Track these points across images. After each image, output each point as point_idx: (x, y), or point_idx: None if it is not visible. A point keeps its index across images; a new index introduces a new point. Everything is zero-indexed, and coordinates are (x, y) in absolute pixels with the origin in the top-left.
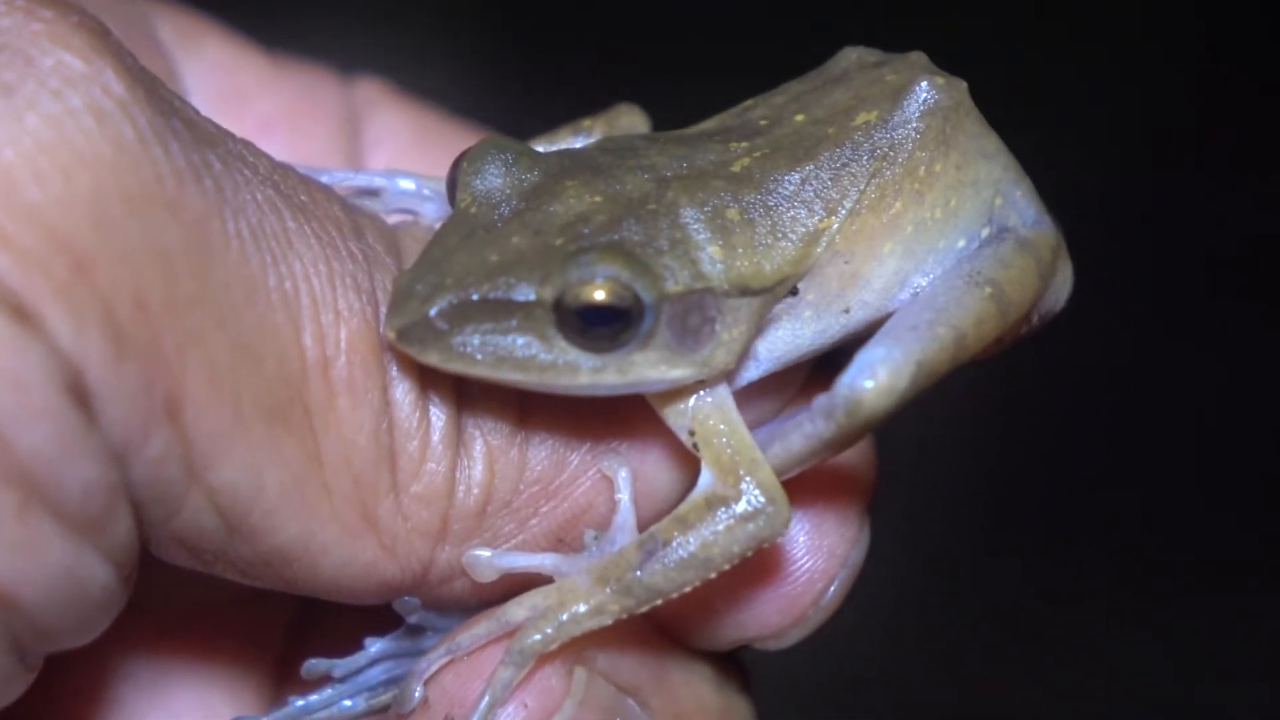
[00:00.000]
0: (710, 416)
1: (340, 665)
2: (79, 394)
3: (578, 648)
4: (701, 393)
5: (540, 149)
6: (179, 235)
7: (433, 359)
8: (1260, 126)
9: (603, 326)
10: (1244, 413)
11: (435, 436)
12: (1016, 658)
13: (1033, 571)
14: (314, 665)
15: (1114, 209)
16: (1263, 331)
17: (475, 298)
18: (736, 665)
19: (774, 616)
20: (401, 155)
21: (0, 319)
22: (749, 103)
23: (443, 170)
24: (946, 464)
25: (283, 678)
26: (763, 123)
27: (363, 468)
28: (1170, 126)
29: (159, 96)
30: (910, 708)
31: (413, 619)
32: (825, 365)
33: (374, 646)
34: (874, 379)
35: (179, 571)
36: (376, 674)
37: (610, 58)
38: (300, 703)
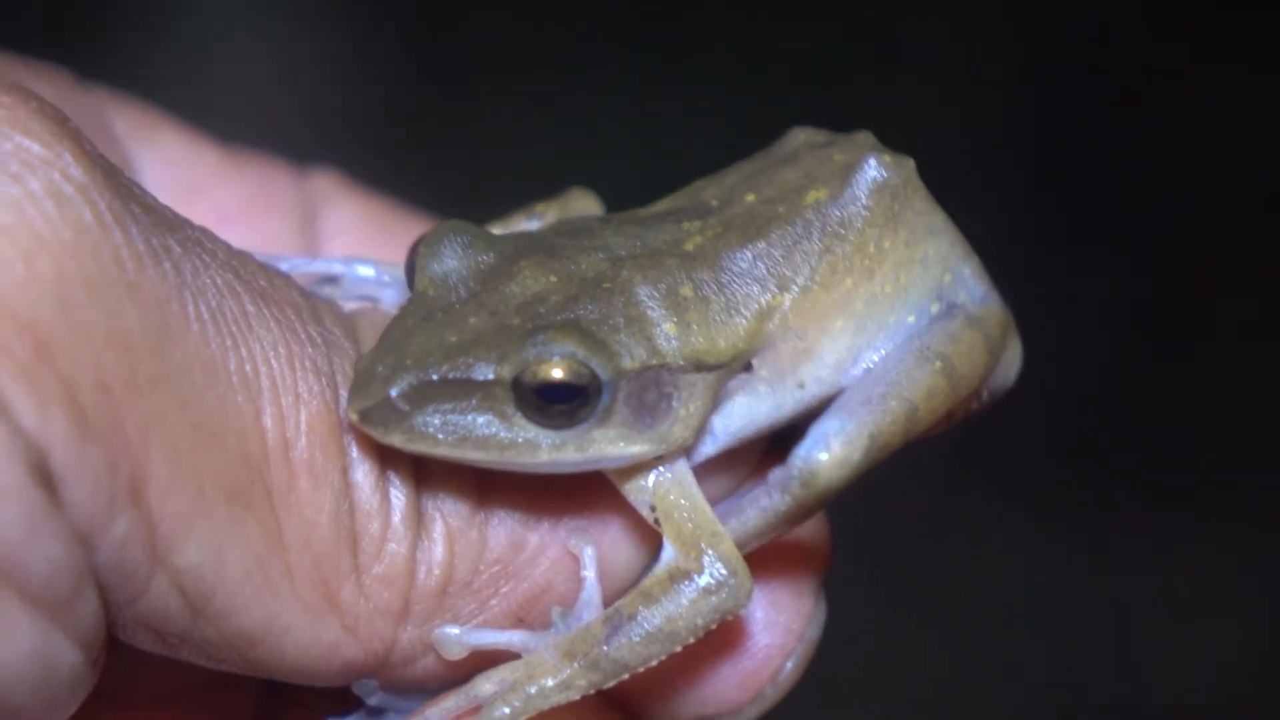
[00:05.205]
0: (671, 491)
1: None
2: (43, 475)
3: None
4: (661, 468)
5: (496, 233)
6: (139, 317)
7: (395, 440)
8: None
9: (561, 404)
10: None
11: (396, 518)
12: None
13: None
14: None
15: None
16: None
17: (435, 378)
18: None
19: (732, 693)
20: (358, 246)
21: None
22: (700, 183)
23: (400, 259)
24: None
25: None
26: (714, 202)
27: (324, 549)
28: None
29: (118, 182)
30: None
31: (373, 700)
32: (780, 445)
33: None
34: (828, 451)
35: (145, 659)
36: None
37: (563, 146)
38: None
